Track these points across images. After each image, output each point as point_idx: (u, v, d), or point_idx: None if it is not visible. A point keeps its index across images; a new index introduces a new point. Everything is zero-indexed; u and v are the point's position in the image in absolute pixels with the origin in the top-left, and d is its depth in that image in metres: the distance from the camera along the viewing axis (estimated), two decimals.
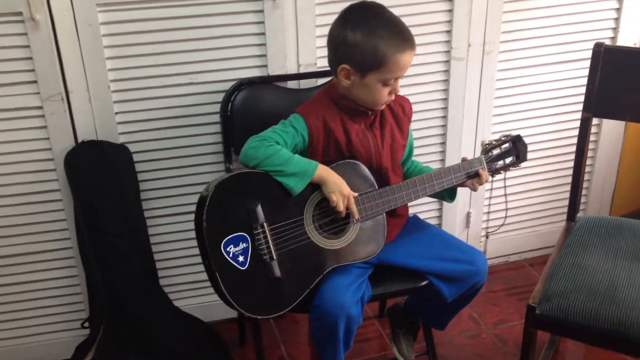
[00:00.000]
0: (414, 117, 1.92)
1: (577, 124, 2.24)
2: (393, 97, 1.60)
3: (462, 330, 2.20)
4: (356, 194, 1.56)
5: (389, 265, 1.68)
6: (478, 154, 2.23)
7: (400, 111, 1.70)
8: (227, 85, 1.88)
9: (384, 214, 1.62)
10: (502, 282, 2.46)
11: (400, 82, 2.02)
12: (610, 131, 2.38)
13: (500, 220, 2.43)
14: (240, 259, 1.48)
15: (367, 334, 2.20)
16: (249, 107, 1.87)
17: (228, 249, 1.46)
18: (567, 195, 2.40)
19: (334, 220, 1.58)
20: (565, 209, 2.44)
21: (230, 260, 1.46)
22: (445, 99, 2.16)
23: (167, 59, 1.85)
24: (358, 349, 2.10)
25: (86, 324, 1.86)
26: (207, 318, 2.07)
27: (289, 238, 1.52)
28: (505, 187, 2.35)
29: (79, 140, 1.85)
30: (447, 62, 2.10)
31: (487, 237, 2.42)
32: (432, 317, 1.88)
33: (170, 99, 1.90)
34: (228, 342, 2.06)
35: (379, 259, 1.65)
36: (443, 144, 2.23)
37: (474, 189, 1.71)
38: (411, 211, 1.96)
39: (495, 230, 2.43)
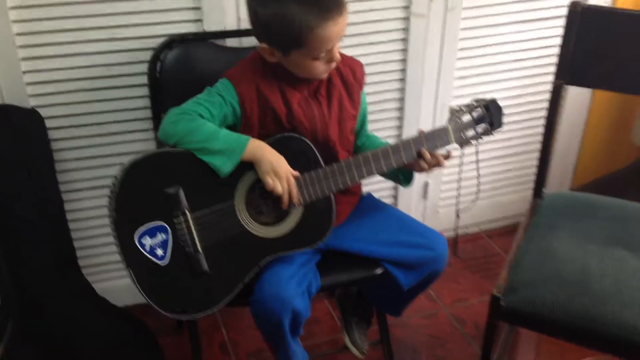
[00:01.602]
0: (368, 80, 1.71)
1: (545, 89, 2.12)
2: (334, 64, 1.38)
3: (418, 309, 2.05)
4: (297, 174, 1.35)
5: (339, 251, 1.49)
6: (440, 122, 2.08)
7: (351, 75, 1.49)
8: (156, 42, 1.63)
9: (333, 193, 1.42)
10: (459, 255, 2.32)
11: (352, 41, 1.82)
12: (574, 98, 2.22)
13: (462, 190, 2.27)
14: (159, 252, 1.27)
15: (315, 315, 2.03)
16: (182, 67, 1.62)
17: (143, 241, 1.26)
18: (529, 164, 2.32)
19: (272, 204, 1.37)
20: (527, 178, 2.36)
21: (147, 255, 1.26)
22: (403, 60, 1.96)
23: (84, 9, 1.59)
24: (306, 333, 1.90)
25: None
26: (138, 300, 1.85)
27: (216, 226, 1.32)
28: (461, 155, 2.16)
29: None
30: (406, 19, 1.89)
31: (457, 212, 2.23)
32: (386, 304, 1.72)
33: (89, 56, 1.64)
34: (162, 327, 1.86)
35: (327, 245, 1.46)
36: (400, 109, 2.04)
37: (420, 169, 1.46)
38: (364, 184, 1.75)
39: (459, 202, 2.25)
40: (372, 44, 1.89)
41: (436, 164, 1.45)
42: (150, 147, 1.76)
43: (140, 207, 1.26)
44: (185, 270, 1.30)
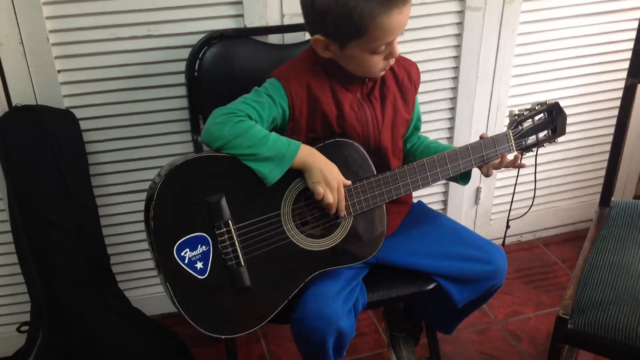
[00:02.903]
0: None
1: (611, 88, 1.96)
2: (392, 61, 1.27)
3: (469, 324, 1.92)
4: (349, 183, 1.24)
5: (389, 265, 1.38)
6: (495, 124, 1.96)
7: (406, 77, 1.38)
8: (195, 39, 1.53)
9: (385, 204, 1.31)
10: (513, 265, 2.17)
11: (401, 37, 1.70)
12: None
13: (515, 196, 2.12)
14: (199, 265, 1.17)
15: (359, 328, 1.91)
16: (221, 66, 1.53)
17: (183, 254, 1.15)
18: (589, 168, 2.16)
19: (321, 216, 1.26)
20: (587, 183, 2.20)
21: (186, 268, 1.16)
22: (457, 57, 1.82)
23: (120, 4, 1.50)
24: (349, 346, 1.81)
25: (24, 329, 1.55)
26: (172, 309, 1.78)
27: (262, 239, 1.21)
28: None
29: (13, 105, 1.51)
30: (461, 12, 1.76)
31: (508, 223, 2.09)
32: (437, 320, 1.60)
33: (125, 54, 1.56)
34: (197, 337, 1.77)
35: (376, 258, 1.35)
36: (452, 109, 1.91)
37: (487, 174, 1.40)
38: None
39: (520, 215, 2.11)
40: (423, 39, 1.76)
41: (499, 165, 1.37)
42: (188, 150, 1.67)
43: (180, 217, 1.16)
44: (226, 285, 1.20)
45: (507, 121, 1.42)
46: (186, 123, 1.63)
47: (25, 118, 1.47)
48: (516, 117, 1.39)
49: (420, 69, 1.75)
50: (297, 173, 1.22)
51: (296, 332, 1.27)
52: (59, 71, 1.53)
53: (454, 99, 1.89)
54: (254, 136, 1.18)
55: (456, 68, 1.84)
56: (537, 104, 1.41)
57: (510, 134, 1.37)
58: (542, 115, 1.40)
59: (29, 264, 1.49)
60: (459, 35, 1.79)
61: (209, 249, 1.17)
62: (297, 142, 1.21)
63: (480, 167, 1.38)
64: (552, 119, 1.41)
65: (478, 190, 2.08)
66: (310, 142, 1.25)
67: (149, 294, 1.85)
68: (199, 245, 1.17)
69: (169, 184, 1.14)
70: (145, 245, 1.74)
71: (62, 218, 1.47)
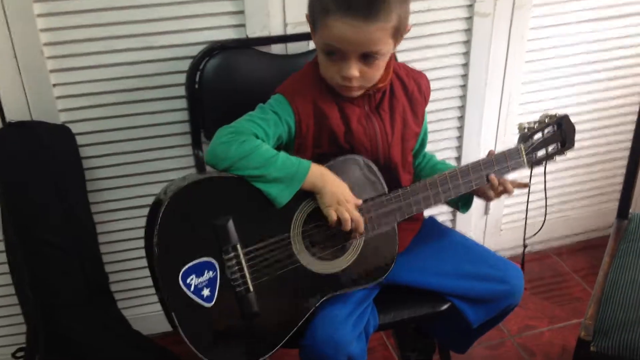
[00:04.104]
0: None
1: (624, 94, 1.91)
2: (347, 83, 1.17)
3: (482, 339, 1.80)
4: (360, 202, 1.18)
5: (400, 285, 1.32)
6: (504, 133, 1.90)
7: (416, 89, 1.32)
8: (195, 50, 1.48)
9: (397, 223, 1.25)
10: (525, 276, 2.08)
11: (408, 44, 1.64)
12: None
13: (523, 206, 2.06)
14: (205, 292, 1.10)
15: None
16: (223, 77, 1.47)
17: (188, 281, 1.08)
18: (602, 175, 2.11)
19: (332, 237, 1.20)
20: (599, 191, 2.15)
21: (192, 296, 1.09)
22: (465, 65, 1.77)
23: (117, 16, 1.45)
24: None
25: (19, 354, 1.49)
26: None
27: (271, 263, 1.15)
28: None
29: (7, 121, 1.46)
30: (469, 18, 1.70)
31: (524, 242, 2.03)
32: (450, 339, 1.54)
33: (123, 67, 1.50)
34: (198, 358, 1.71)
35: (388, 278, 1.28)
36: (460, 118, 1.85)
37: (488, 198, 1.34)
38: None
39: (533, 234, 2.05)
40: (430, 47, 1.71)
41: (503, 191, 1.31)
42: (189, 164, 1.62)
43: (186, 241, 1.09)
44: (234, 312, 1.13)
45: (516, 130, 1.37)
46: (187, 137, 1.57)
47: (19, 134, 1.42)
48: (525, 130, 1.34)
49: (428, 77, 1.70)
50: (307, 192, 1.15)
51: (304, 358, 1.21)
52: (54, 85, 1.48)
53: (462, 107, 1.83)
54: (262, 156, 1.11)
55: (464, 76, 1.78)
56: (546, 117, 1.37)
57: (522, 148, 1.32)
58: (551, 128, 1.36)
59: (24, 285, 1.43)
60: (467, 42, 1.73)
61: (216, 274, 1.11)
62: (307, 162, 1.14)
63: (481, 194, 1.33)
64: (561, 132, 1.38)
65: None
66: (318, 158, 1.19)
67: (148, 313, 1.79)
68: (206, 271, 1.10)
69: (174, 208, 1.07)
70: (144, 262, 1.68)
71: (58, 236, 1.41)
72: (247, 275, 1.12)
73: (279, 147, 1.19)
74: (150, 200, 1.60)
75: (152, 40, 1.48)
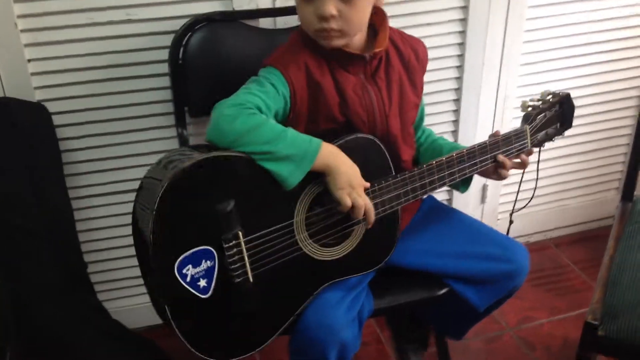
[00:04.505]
0: None
1: (627, 77, 1.84)
2: (325, 24, 1.09)
3: (479, 331, 1.78)
4: (368, 185, 1.09)
5: (398, 268, 1.24)
6: (502, 116, 1.83)
7: (412, 56, 1.24)
8: (178, 24, 1.39)
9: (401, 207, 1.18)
10: None
11: (403, 21, 1.57)
12: None
13: (523, 194, 1.99)
14: (202, 283, 1.01)
15: None
16: (208, 53, 1.39)
17: (184, 271, 0.99)
18: (601, 163, 2.04)
19: (336, 222, 1.12)
20: (598, 180, 2.08)
21: (188, 287, 0.99)
22: (461, 44, 1.70)
23: None
24: None
25: None
26: (158, 321, 1.64)
27: (272, 251, 1.06)
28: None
29: None
30: None
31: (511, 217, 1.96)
32: (448, 325, 1.46)
33: (102, 41, 1.42)
34: (182, 349, 1.63)
35: (386, 261, 1.21)
36: (457, 100, 1.78)
37: (501, 177, 1.27)
38: None
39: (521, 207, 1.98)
40: (425, 25, 1.63)
41: (518, 166, 1.27)
42: (173, 146, 1.53)
43: (184, 229, 1.00)
44: (231, 304, 1.05)
45: (515, 113, 1.31)
46: (170, 117, 1.49)
47: None
48: (530, 109, 1.28)
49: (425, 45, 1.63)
50: (312, 175, 1.05)
51: (294, 346, 1.13)
52: (29, 60, 1.40)
53: (458, 90, 1.76)
54: (271, 130, 1.02)
55: (461, 56, 1.71)
56: (549, 94, 1.32)
57: (528, 130, 1.27)
58: (555, 108, 1.31)
59: None
60: (463, 21, 1.67)
61: (214, 264, 1.02)
62: (318, 140, 1.05)
63: (488, 173, 1.28)
64: (562, 111, 1.33)
65: (484, 188, 1.95)
66: (324, 135, 1.08)
67: (132, 305, 1.71)
68: (203, 261, 1.01)
69: (172, 191, 0.97)
70: (127, 251, 1.61)
71: (30, 222, 1.32)
72: (248, 264, 1.04)
73: None
74: (132, 185, 1.54)
75: (133, 12, 1.40)
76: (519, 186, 1.43)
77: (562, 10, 1.74)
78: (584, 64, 1.84)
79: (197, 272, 1.01)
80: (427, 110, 1.67)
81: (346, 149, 1.08)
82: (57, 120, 1.45)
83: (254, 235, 1.04)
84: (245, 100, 1.04)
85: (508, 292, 1.27)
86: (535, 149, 1.33)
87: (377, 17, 1.19)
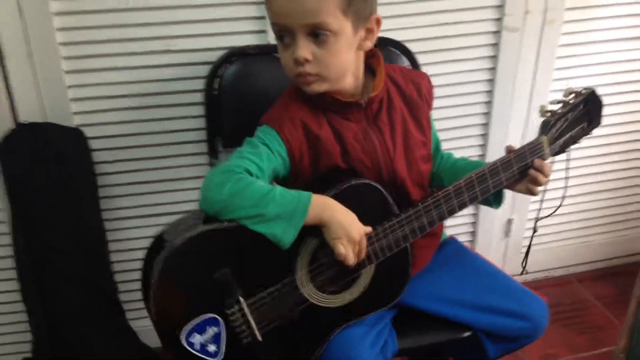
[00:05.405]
0: (448, 102, 1.48)
1: None
2: (301, 69, 1.08)
3: None
4: (369, 230, 1.09)
5: (419, 310, 1.25)
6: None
7: (415, 93, 1.21)
8: (215, 56, 1.44)
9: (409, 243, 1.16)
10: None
11: (434, 57, 1.58)
12: None
13: (547, 229, 2.00)
14: (212, 348, 1.03)
15: None
16: (242, 84, 1.42)
17: (191, 340, 1.02)
18: (628, 201, 2.04)
19: (341, 271, 1.11)
20: (625, 217, 2.07)
21: (198, 354, 1.03)
22: (491, 80, 1.71)
23: (136, 17, 1.42)
24: None
25: None
26: None
27: (278, 308, 1.07)
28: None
29: (20, 122, 1.42)
30: (497, 32, 1.65)
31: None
32: None
33: (140, 70, 1.47)
34: None
35: (405, 301, 1.21)
36: (484, 135, 1.79)
37: (533, 193, 1.20)
38: None
39: (544, 241, 1.99)
40: (456, 61, 1.65)
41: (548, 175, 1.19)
42: (204, 173, 1.56)
43: (184, 303, 1.02)
44: None
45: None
46: (203, 145, 1.53)
47: (30, 135, 1.38)
48: (549, 114, 1.19)
49: (452, 92, 1.65)
50: (308, 228, 1.05)
51: None
52: (69, 87, 1.44)
53: (486, 125, 1.77)
54: (257, 192, 1.01)
55: (490, 92, 1.73)
56: (571, 92, 1.21)
57: (545, 141, 1.19)
58: (577, 109, 1.20)
59: (30, 292, 1.38)
60: (494, 57, 1.68)
61: (220, 329, 1.04)
62: (307, 193, 1.04)
63: (516, 188, 1.21)
64: (587, 110, 1.22)
65: (509, 222, 1.96)
66: (321, 185, 1.08)
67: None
68: (208, 327, 1.03)
69: (168, 269, 0.99)
70: None
71: (64, 242, 1.36)
72: (254, 325, 1.05)
73: (278, 183, 1.11)
74: (162, 209, 1.58)
75: (172, 43, 1.44)
76: (543, 195, 1.33)
77: (593, 49, 1.75)
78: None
79: (205, 339, 1.03)
80: (455, 144, 1.71)
81: (341, 198, 1.07)
82: (93, 144, 1.49)
83: (256, 297, 1.05)
84: (234, 166, 1.04)
85: (523, 345, 1.27)
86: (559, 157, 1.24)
87: (374, 59, 1.18)
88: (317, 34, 1.05)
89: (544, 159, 1.19)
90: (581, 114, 1.21)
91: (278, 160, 1.10)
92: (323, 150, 1.13)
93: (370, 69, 1.19)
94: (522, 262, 1.43)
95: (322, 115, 1.14)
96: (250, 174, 1.04)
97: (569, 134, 1.21)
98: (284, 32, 1.07)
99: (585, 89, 1.22)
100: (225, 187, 1.00)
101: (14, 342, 1.66)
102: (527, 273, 1.92)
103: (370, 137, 1.16)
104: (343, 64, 1.11)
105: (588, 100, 1.21)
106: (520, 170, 1.18)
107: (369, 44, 1.14)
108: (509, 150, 1.19)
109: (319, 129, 1.13)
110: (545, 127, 1.19)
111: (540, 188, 1.20)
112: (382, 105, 1.17)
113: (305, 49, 1.06)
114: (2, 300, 1.60)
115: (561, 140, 1.21)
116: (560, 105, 1.21)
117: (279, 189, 1.03)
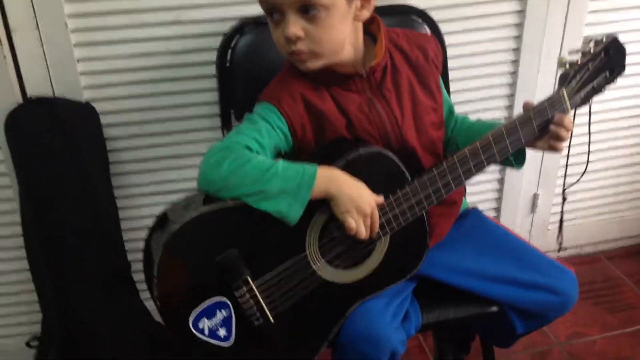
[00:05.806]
0: (474, 72, 1.42)
1: None
2: (293, 47, 1.04)
3: (527, 344, 1.72)
4: (381, 200, 1.03)
5: (440, 282, 1.19)
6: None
7: (421, 57, 1.15)
8: (227, 26, 1.38)
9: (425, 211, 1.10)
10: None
11: (457, 25, 1.52)
12: None
13: (575, 204, 1.93)
14: (222, 332, 1.00)
15: None
16: (256, 55, 1.36)
17: (200, 326, 0.98)
18: None
19: (354, 244, 1.06)
20: None
21: (208, 339, 0.99)
22: (517, 50, 1.64)
23: None
24: None
25: (33, 343, 1.41)
26: None
27: (290, 287, 1.03)
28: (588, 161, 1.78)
29: (28, 97, 1.38)
30: None
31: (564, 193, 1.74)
32: (494, 336, 1.40)
33: (151, 42, 1.42)
34: None
35: (426, 272, 1.16)
36: (509, 107, 1.72)
37: (555, 149, 1.13)
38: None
39: (572, 217, 1.91)
40: (479, 29, 1.59)
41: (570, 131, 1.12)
42: None
43: (190, 287, 0.98)
44: (258, 345, 1.03)
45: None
46: (215, 119, 1.48)
47: (39, 110, 1.35)
48: (569, 67, 1.13)
49: (476, 63, 1.58)
50: (316, 202, 1.00)
51: (339, 358, 1.10)
52: (78, 60, 1.40)
53: (511, 96, 1.70)
54: (257, 168, 0.97)
55: (515, 62, 1.66)
56: (591, 40, 1.15)
57: (565, 93, 1.12)
58: (599, 57, 1.14)
59: (40, 270, 1.35)
60: (519, 25, 1.61)
61: (230, 312, 1.00)
62: (313, 166, 0.99)
63: (538, 145, 1.14)
64: (609, 58, 1.15)
65: (535, 197, 1.89)
66: (327, 156, 1.03)
67: None
68: (218, 311, 0.99)
69: (169, 255, 0.95)
70: None
71: (75, 219, 1.33)
72: (265, 307, 1.01)
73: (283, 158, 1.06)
74: (176, 186, 1.55)
75: (182, 14, 1.40)
76: (567, 159, 1.24)
77: (622, 16, 1.67)
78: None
79: (215, 324, 0.99)
80: (479, 115, 1.63)
81: (349, 169, 1.02)
82: (104, 119, 1.45)
83: (265, 277, 1.01)
84: (232, 143, 1.00)
85: (552, 320, 1.22)
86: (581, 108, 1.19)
87: (374, 25, 1.12)
88: (308, 9, 1.00)
89: (565, 113, 1.13)
90: (603, 63, 1.15)
91: (279, 136, 1.06)
92: (328, 125, 1.08)
93: (371, 36, 1.14)
94: (557, 238, 1.37)
95: (324, 89, 1.09)
96: (250, 150, 0.99)
97: (591, 84, 1.15)
98: (272, 8, 1.02)
99: (606, 36, 1.16)
100: (224, 164, 0.96)
101: (24, 322, 1.64)
102: (564, 249, 1.87)
103: (375, 107, 1.11)
104: (337, 39, 1.05)
105: (609, 48, 1.15)
106: (541, 127, 1.12)
107: (367, 14, 1.08)
108: (527, 106, 1.12)
109: (322, 104, 1.08)
110: (564, 80, 1.13)
111: (563, 144, 1.13)
112: (386, 73, 1.12)
113: (295, 26, 1.01)
114: (11, 280, 1.58)
115: (582, 92, 1.15)
116: (579, 55, 1.14)
117: (281, 163, 0.98)
